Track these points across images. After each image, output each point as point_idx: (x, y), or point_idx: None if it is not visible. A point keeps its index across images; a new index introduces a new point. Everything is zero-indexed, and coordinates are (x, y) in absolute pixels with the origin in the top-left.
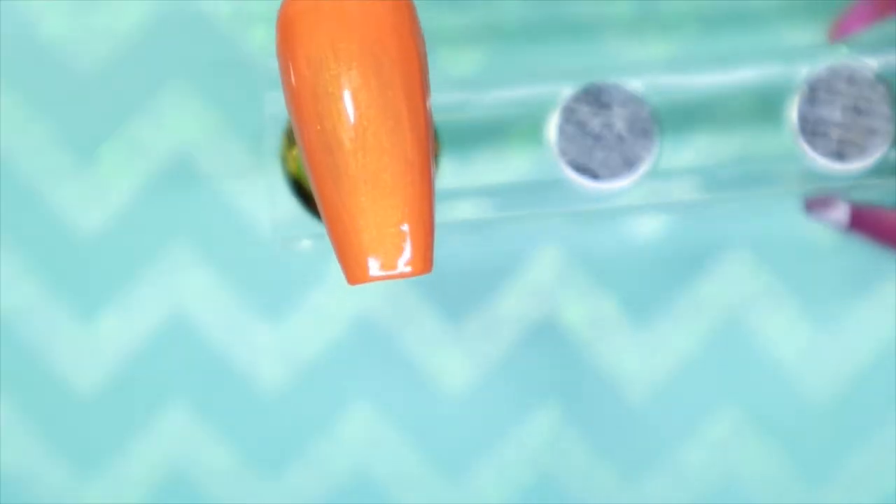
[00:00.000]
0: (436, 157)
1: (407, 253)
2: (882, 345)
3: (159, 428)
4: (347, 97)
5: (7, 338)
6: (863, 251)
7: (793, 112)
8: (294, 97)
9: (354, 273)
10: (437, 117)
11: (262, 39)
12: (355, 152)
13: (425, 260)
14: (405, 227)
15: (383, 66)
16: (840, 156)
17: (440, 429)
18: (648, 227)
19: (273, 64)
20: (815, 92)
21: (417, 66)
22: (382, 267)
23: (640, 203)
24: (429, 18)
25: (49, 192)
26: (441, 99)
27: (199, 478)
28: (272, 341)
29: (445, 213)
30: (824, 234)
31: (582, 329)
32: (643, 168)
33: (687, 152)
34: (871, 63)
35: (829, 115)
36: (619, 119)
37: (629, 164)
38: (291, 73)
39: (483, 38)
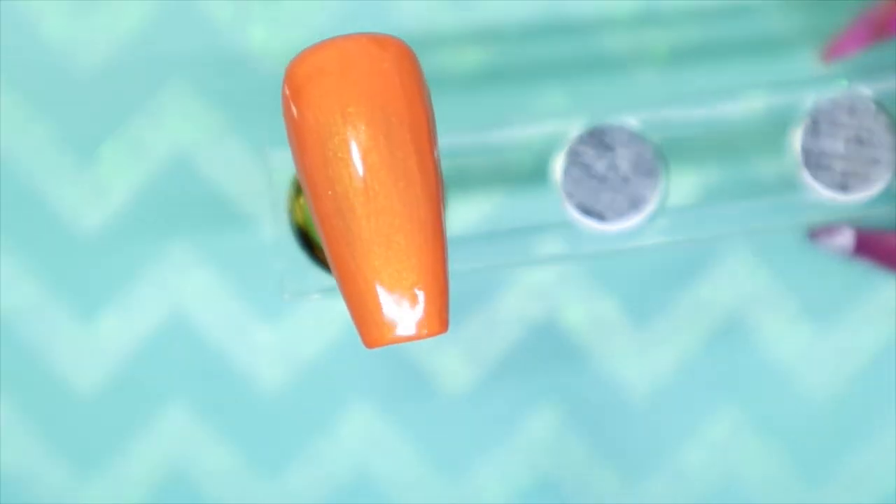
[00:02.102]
0: (443, 198)
1: (423, 315)
2: (882, 345)
3: (159, 428)
4: (358, 161)
5: (7, 338)
6: None
7: (796, 145)
8: (304, 163)
9: (370, 335)
10: (442, 161)
11: (263, 39)
12: (368, 216)
13: (441, 321)
14: (419, 290)
15: (392, 127)
16: (844, 187)
17: (440, 429)
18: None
19: (273, 64)
20: (817, 124)
21: (425, 122)
22: (398, 330)
23: (647, 243)
24: (429, 19)
25: (49, 192)
26: (445, 142)
27: (199, 478)
28: (272, 341)
29: (451, 255)
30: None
31: (582, 330)
32: (649, 208)
33: (691, 189)
34: (871, 93)
35: (831, 147)
36: (623, 160)
37: (635, 204)
38: (300, 138)
39: (483, 39)
